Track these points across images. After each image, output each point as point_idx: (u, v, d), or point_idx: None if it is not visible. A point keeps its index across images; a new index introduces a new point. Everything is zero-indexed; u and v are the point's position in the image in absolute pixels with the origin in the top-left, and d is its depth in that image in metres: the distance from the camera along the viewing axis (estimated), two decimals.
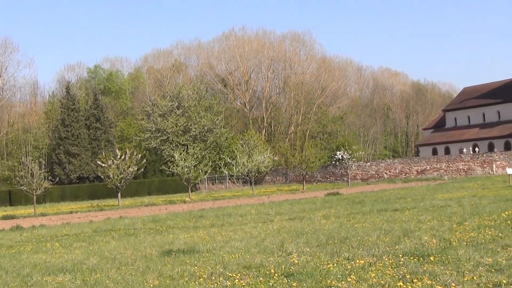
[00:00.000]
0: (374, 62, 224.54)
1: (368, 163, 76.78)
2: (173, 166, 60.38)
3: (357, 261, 12.23)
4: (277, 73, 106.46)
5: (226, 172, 71.62)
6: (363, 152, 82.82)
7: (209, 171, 63.98)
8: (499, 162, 65.81)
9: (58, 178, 71.66)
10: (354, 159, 70.54)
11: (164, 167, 70.87)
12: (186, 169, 58.23)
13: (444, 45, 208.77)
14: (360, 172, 74.66)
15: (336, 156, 71.17)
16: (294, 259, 13.03)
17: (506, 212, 20.01)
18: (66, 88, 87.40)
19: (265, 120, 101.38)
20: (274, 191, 60.44)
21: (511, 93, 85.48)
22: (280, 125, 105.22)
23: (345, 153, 69.32)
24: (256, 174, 65.27)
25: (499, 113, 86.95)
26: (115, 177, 50.39)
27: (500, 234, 14.93)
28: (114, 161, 50.59)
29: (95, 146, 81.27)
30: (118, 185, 50.93)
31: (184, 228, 24.67)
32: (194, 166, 59.49)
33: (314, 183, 75.49)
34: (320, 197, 42.59)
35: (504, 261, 11.39)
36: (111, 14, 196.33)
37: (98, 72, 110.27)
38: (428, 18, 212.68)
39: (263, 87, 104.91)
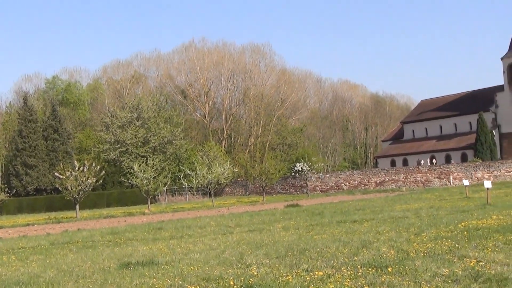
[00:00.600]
0: (334, 75, 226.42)
1: (328, 175, 77.17)
2: (132, 177, 59.98)
3: (316, 272, 12.26)
4: (237, 85, 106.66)
5: (186, 184, 71.34)
6: (323, 164, 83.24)
7: (168, 183, 63.67)
8: (456, 174, 66.70)
9: (15, 190, 70.71)
10: (313, 171, 70.86)
11: (123, 179, 70.39)
12: (145, 181, 57.88)
13: (402, 58, 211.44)
14: (320, 184, 74.99)
15: (295, 168, 71.43)
16: (253, 271, 13.02)
17: (462, 223, 20.27)
18: (23, 99, 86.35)
19: (225, 131, 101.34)
20: (233, 203, 60.36)
21: (467, 106, 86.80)
22: (240, 136, 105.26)
23: (305, 164, 69.60)
24: (216, 186, 65.14)
25: (455, 125, 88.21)
26: (73, 189, 49.80)
27: (456, 245, 15.11)
28: (72, 172, 50.02)
29: (53, 157, 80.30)
30: (76, 197, 50.34)
31: (143, 240, 24.50)
32: (154, 178, 59.17)
33: (273, 195, 75.63)
34: (280, 208, 42.62)
35: (460, 272, 11.52)
36: (69, 24, 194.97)
37: (56, 83, 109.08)
38: (386, 31, 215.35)
39: (223, 99, 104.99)
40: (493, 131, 79.18)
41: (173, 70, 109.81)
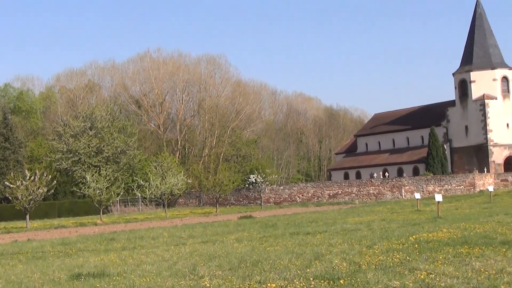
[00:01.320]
0: (288, 87, 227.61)
1: (281, 187, 77.36)
2: (85, 187, 59.33)
3: (269, 284, 12.27)
4: (192, 96, 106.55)
5: (139, 195, 70.84)
6: (276, 176, 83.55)
7: (121, 193, 63.15)
8: (407, 187, 67.52)
9: None
10: (267, 183, 71.03)
11: (75, 189, 69.54)
12: (98, 191, 57.32)
13: (356, 72, 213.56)
14: (273, 196, 75.14)
15: (249, 179, 71.53)
16: (206, 282, 12.98)
17: (414, 236, 20.52)
18: None
19: (179, 142, 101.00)
20: (187, 214, 60.20)
21: (420, 120, 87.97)
22: (194, 147, 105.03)
23: (259, 176, 69.75)
24: (169, 197, 64.87)
25: (408, 139, 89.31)
26: (24, 199, 49.12)
27: (407, 258, 15.28)
28: (23, 182, 49.35)
29: (3, 166, 78.84)
30: (27, 206, 49.65)
31: (94, 251, 24.24)
32: (106, 188, 58.62)
33: (227, 206, 75.48)
34: (233, 220, 42.65)
35: (411, 284, 11.65)
36: (22, 31, 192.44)
37: (8, 91, 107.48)
38: (341, 45, 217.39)
39: (177, 109, 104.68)
40: (444, 146, 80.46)
41: (128, 80, 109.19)
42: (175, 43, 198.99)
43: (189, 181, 70.38)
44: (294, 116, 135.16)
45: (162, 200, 63.04)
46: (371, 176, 78.78)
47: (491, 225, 24.06)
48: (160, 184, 61.05)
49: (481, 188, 65.47)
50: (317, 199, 71.89)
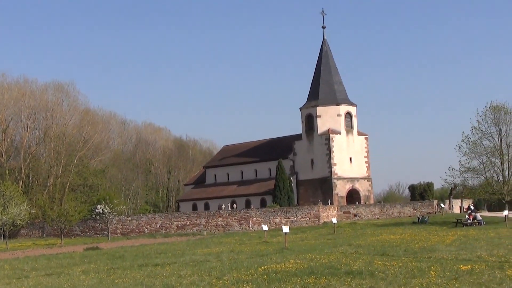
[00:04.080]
0: (138, 117, 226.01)
1: (129, 218, 76.39)
2: None
3: None
4: (38, 123, 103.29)
5: None
6: (124, 206, 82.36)
7: None
8: (255, 219, 68.54)
9: None
10: (115, 213, 70.06)
11: None
12: None
13: (206, 103, 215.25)
14: (121, 227, 73.97)
15: (96, 210, 70.21)
16: None
17: (262, 267, 20.82)
18: None
19: (23, 171, 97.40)
20: (30, 245, 58.32)
21: (267, 153, 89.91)
22: (39, 176, 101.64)
23: (106, 207, 68.68)
24: (11, 228, 62.44)
25: (256, 171, 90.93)
26: None
27: None
28: None
29: None
30: None
31: None
32: None
33: (72, 237, 73.47)
34: (79, 251, 41.73)
35: None
36: None
37: None
38: (190, 76, 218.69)
39: (22, 137, 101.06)
40: (291, 178, 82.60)
41: None
42: (21, 68, 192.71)
43: (32, 211, 68.10)
44: (143, 146, 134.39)
45: (3, 231, 60.70)
46: (220, 208, 79.41)
47: (336, 255, 24.84)
48: (1, 214, 58.72)
49: (325, 220, 67.59)
50: (165, 230, 71.49)
